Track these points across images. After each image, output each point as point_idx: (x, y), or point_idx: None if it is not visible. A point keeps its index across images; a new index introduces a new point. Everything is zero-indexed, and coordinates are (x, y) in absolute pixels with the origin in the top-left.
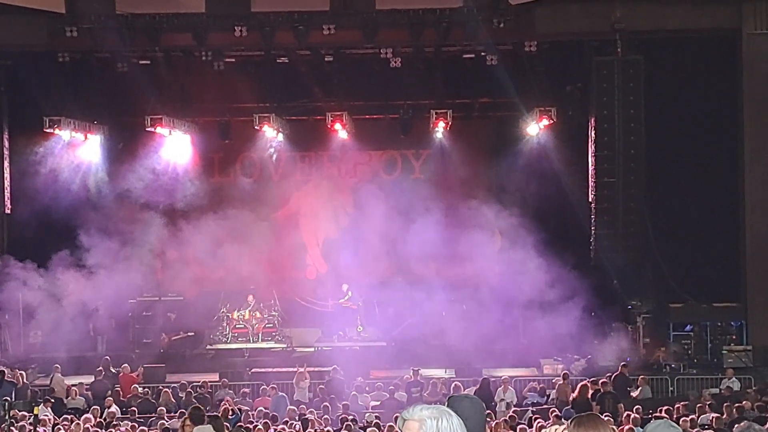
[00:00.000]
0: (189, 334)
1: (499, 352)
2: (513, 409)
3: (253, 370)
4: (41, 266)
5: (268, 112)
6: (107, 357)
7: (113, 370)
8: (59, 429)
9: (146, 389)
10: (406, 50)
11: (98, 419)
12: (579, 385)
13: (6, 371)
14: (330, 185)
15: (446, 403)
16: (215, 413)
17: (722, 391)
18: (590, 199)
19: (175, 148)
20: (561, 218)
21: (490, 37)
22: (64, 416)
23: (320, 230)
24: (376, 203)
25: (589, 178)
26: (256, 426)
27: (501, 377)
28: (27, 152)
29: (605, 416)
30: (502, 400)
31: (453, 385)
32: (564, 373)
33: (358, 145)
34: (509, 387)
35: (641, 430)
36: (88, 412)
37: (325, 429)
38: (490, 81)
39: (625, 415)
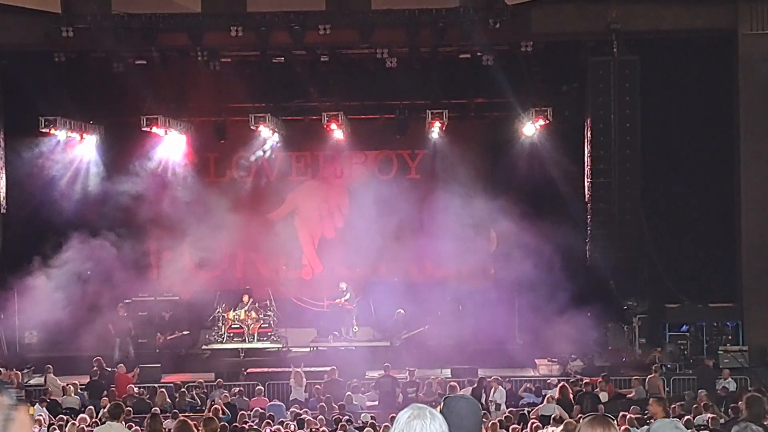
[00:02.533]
0: (184, 333)
1: (494, 352)
2: (509, 409)
3: (248, 370)
4: (36, 266)
5: (264, 112)
6: (99, 357)
7: (108, 370)
8: (54, 429)
9: (142, 389)
10: (402, 50)
11: (93, 419)
12: (559, 386)
13: (1, 371)
14: (326, 185)
15: (442, 404)
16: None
17: (718, 392)
18: (586, 199)
19: (170, 148)
20: (557, 218)
21: (486, 37)
22: (60, 416)
23: (316, 230)
24: (372, 203)
25: (585, 178)
26: (252, 426)
27: (490, 377)
28: (23, 152)
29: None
30: (491, 401)
31: (448, 385)
32: (654, 366)
33: (353, 145)
34: (498, 387)
35: (637, 431)
36: (83, 411)
37: (321, 429)
38: (486, 81)
39: (621, 415)
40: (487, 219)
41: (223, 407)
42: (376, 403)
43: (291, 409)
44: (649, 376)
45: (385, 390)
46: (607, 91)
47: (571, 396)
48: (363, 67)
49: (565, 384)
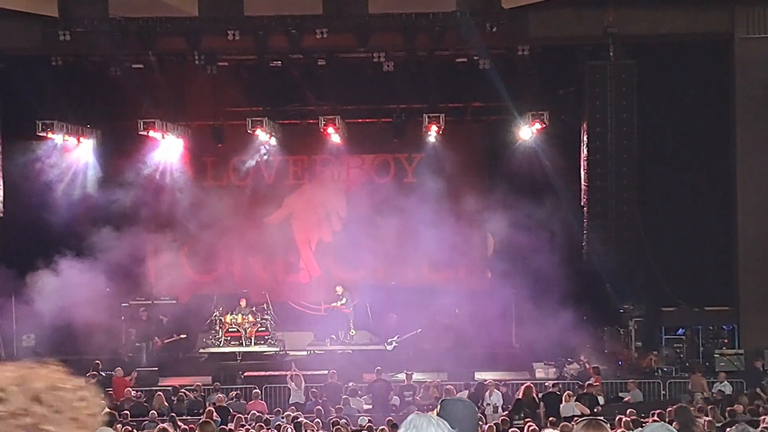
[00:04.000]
0: (182, 337)
1: (491, 355)
2: (506, 413)
3: (245, 374)
4: (33, 270)
5: (261, 116)
6: (98, 360)
7: (104, 374)
8: None
9: (139, 392)
10: (399, 54)
11: None
12: (523, 387)
13: None
14: (323, 189)
15: (439, 407)
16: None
17: (714, 395)
18: (582, 203)
19: (168, 151)
20: (553, 222)
21: (483, 41)
22: None
23: (313, 234)
24: (369, 207)
25: (582, 182)
26: (249, 429)
27: (487, 381)
28: (20, 156)
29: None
30: (488, 404)
31: (445, 388)
32: (698, 365)
33: (350, 148)
34: (495, 390)
35: None
36: None
37: None
38: (482, 85)
39: (617, 418)
40: (484, 223)
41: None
42: (371, 407)
43: (287, 413)
44: (693, 375)
45: (378, 394)
46: (603, 95)
47: (534, 395)
48: (360, 70)
49: (530, 384)
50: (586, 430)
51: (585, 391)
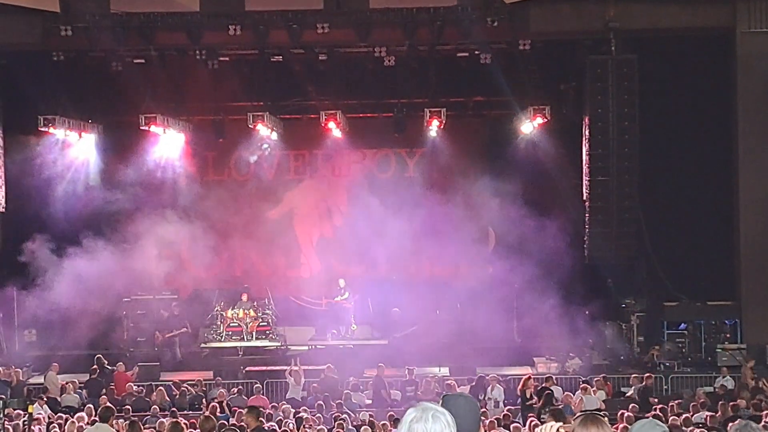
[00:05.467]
0: (183, 332)
1: (492, 350)
2: (507, 407)
3: (247, 369)
4: (35, 265)
5: (262, 110)
6: (100, 355)
7: (108, 368)
8: (54, 427)
9: (141, 387)
10: (400, 49)
11: (92, 417)
12: (523, 378)
13: (1, 370)
14: (324, 184)
15: (440, 402)
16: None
17: (716, 390)
18: (584, 198)
19: (169, 146)
20: (555, 217)
21: (484, 35)
22: (59, 414)
23: (314, 229)
24: (370, 202)
25: (583, 177)
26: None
27: (488, 375)
28: (21, 151)
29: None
30: (490, 398)
31: (446, 383)
32: (746, 356)
33: (352, 143)
34: (497, 385)
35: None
36: (82, 410)
37: (318, 428)
38: (484, 80)
39: (619, 413)
40: (485, 217)
41: (221, 406)
42: (372, 402)
43: (285, 407)
44: (743, 368)
45: (376, 390)
46: (605, 89)
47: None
48: (361, 65)
49: (531, 376)
50: (584, 425)
51: (644, 383)
